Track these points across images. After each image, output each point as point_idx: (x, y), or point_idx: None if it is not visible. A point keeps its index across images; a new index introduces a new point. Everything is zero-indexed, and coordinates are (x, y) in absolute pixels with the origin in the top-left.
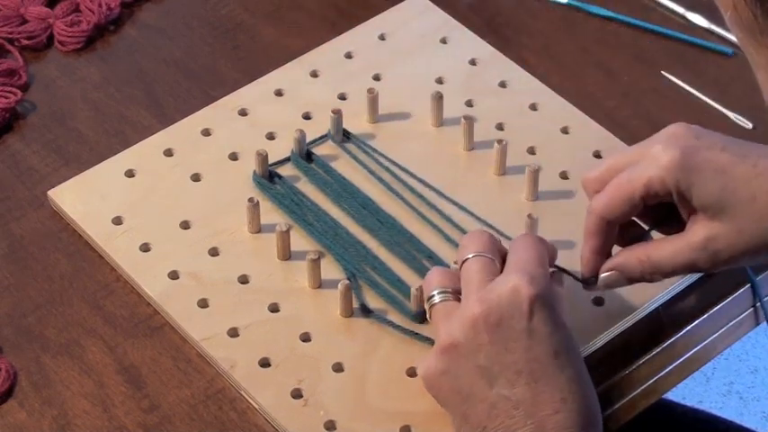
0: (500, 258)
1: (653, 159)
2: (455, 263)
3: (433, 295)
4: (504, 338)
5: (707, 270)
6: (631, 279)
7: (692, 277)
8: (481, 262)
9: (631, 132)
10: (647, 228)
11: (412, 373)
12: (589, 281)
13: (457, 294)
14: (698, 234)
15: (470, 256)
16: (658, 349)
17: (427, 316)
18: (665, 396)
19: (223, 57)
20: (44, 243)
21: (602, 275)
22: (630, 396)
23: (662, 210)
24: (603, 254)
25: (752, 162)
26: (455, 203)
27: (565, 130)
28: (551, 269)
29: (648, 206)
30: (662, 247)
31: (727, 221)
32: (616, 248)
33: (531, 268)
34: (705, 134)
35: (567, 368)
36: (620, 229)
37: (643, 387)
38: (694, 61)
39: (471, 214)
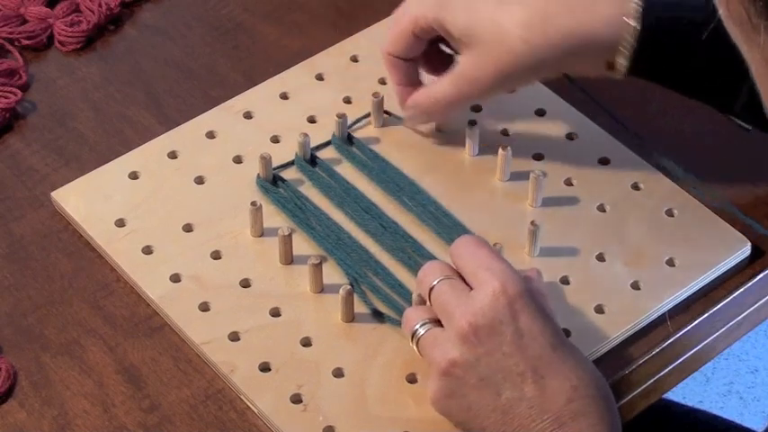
0: (460, 278)
1: None
2: (419, 295)
3: (417, 329)
4: (498, 345)
5: (481, 98)
6: (429, 115)
7: (693, 284)
8: (448, 283)
9: (634, 134)
10: (451, 52)
11: (412, 379)
12: None
13: (437, 323)
14: (463, 64)
15: (435, 282)
16: (658, 349)
17: (417, 352)
18: (665, 396)
19: (223, 57)
20: (44, 243)
21: (406, 115)
22: (630, 396)
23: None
24: (409, 84)
25: None
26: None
27: (570, 137)
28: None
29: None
30: (440, 82)
31: (479, 49)
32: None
33: (498, 271)
34: None
35: (568, 357)
36: (427, 59)
37: (643, 387)
38: None
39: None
